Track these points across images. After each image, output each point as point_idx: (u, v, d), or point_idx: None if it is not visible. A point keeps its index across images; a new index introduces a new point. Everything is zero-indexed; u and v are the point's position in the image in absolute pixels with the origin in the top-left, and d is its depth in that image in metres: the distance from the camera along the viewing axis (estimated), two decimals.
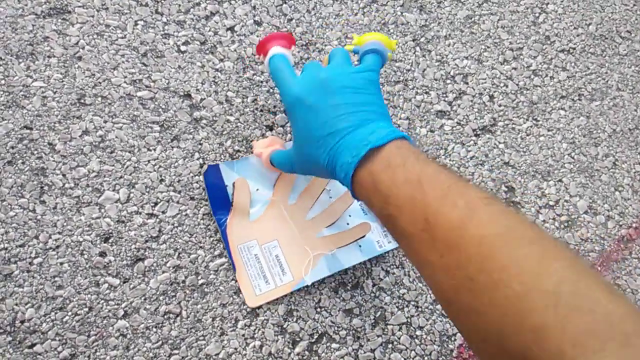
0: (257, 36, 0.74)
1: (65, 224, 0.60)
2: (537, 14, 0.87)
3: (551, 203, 0.75)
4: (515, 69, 0.82)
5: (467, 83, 0.79)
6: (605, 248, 0.74)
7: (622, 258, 0.74)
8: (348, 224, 0.66)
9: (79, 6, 0.70)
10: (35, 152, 0.62)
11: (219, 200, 0.63)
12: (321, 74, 0.48)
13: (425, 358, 0.63)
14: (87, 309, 0.57)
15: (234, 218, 0.63)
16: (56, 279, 0.58)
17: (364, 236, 0.65)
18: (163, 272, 0.60)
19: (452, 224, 0.35)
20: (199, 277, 0.61)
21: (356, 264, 0.64)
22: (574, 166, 0.78)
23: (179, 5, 0.73)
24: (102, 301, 0.58)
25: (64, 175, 0.62)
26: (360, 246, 0.64)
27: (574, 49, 0.87)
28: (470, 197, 0.36)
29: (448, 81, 0.78)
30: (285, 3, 0.77)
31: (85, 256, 0.59)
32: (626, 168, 0.80)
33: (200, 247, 0.62)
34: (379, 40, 0.54)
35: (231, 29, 0.73)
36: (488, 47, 0.83)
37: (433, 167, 0.40)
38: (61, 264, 0.58)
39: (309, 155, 0.48)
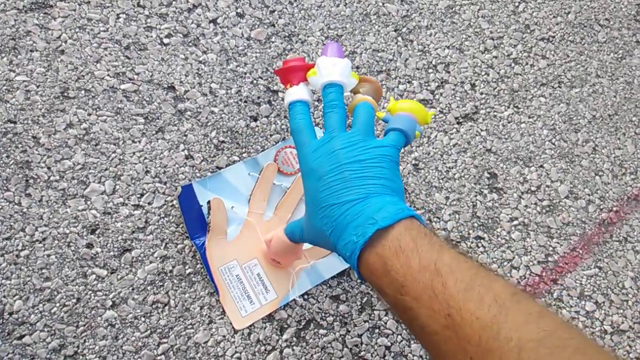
0: (240, 28, 0.74)
1: (51, 216, 0.60)
2: (516, 4, 0.89)
3: (533, 188, 0.76)
4: (496, 57, 0.83)
5: (449, 72, 0.80)
6: (586, 231, 0.76)
7: (604, 241, 0.76)
8: None
9: (61, 0, 0.70)
10: (20, 145, 0.62)
11: (195, 223, 0.62)
12: (337, 145, 0.45)
13: (411, 342, 0.65)
14: (75, 300, 0.58)
15: (212, 240, 0.62)
16: (43, 270, 0.58)
17: None
18: (150, 262, 0.61)
19: (482, 323, 0.31)
20: (187, 267, 0.61)
21: (336, 273, 0.64)
22: (555, 152, 0.79)
23: None
24: (90, 292, 0.58)
25: (49, 168, 0.62)
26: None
27: (554, 37, 0.88)
28: (498, 290, 0.33)
29: (430, 70, 0.79)
30: None
31: (72, 248, 0.59)
32: (606, 153, 0.82)
33: (187, 237, 0.62)
34: (412, 115, 0.49)
35: (214, 21, 0.74)
36: (469, 37, 0.84)
37: (450, 253, 0.37)
38: (48, 256, 0.58)
39: (315, 225, 0.45)
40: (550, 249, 0.73)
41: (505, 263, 0.71)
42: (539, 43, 0.87)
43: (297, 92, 0.50)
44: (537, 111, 0.81)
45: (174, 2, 0.73)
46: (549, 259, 0.72)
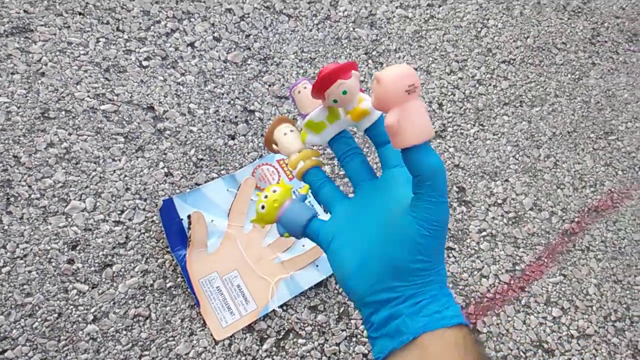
0: (217, 51, 0.78)
1: (32, 233, 0.61)
2: (479, 29, 0.94)
3: (499, 201, 0.80)
4: (461, 78, 0.88)
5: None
6: (550, 241, 0.79)
7: (567, 250, 0.80)
8: (304, 245, 0.68)
9: (41, 25, 0.72)
10: (1, 164, 0.63)
11: (176, 236, 0.64)
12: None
13: None
14: (56, 315, 0.58)
15: (192, 253, 0.64)
16: (25, 286, 0.58)
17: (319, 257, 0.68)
18: (131, 276, 0.62)
19: None
20: (167, 280, 0.63)
21: (314, 284, 0.66)
22: (519, 167, 0.84)
23: (140, 23, 0.76)
24: (71, 307, 0.59)
25: (29, 186, 0.63)
26: (317, 266, 0.67)
27: (514, 60, 0.93)
28: None
29: None
30: (243, 20, 0.81)
31: (53, 264, 0.60)
32: (566, 167, 0.86)
33: (167, 251, 0.64)
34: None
35: (191, 44, 0.77)
36: (435, 59, 0.88)
37: None
38: (29, 272, 0.59)
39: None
40: (517, 258, 0.76)
41: (475, 272, 0.74)
42: (500, 65, 0.92)
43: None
44: (501, 129, 0.86)
45: (152, 27, 0.76)
46: (517, 267, 0.76)
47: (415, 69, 0.86)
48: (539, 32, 0.98)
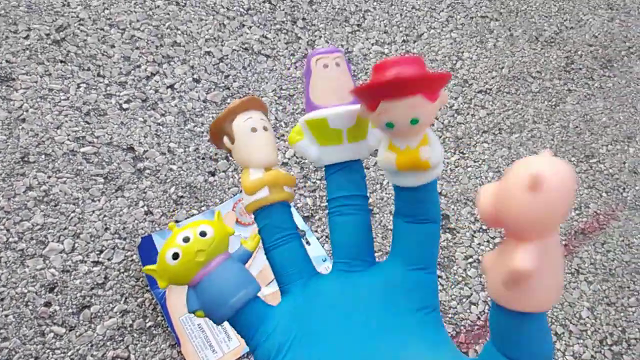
0: (197, 92, 0.79)
1: (9, 276, 0.60)
2: (454, 61, 0.96)
3: (484, 227, 0.79)
4: (439, 109, 0.89)
5: None
6: None
7: None
8: None
9: (23, 74, 0.73)
10: None
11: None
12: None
13: None
14: (33, 359, 0.57)
15: (172, 289, 0.62)
16: (1, 330, 0.57)
17: None
18: (110, 317, 0.61)
19: None
20: (147, 320, 0.61)
21: None
22: None
23: (120, 68, 0.77)
24: (48, 350, 0.57)
25: (7, 230, 0.63)
26: None
27: (491, 89, 0.95)
28: None
29: None
30: (222, 62, 0.83)
31: (30, 307, 0.59)
32: None
33: (147, 290, 0.63)
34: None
35: (171, 86, 0.78)
36: None
37: None
38: (6, 316, 0.58)
39: None
40: None
41: (464, 300, 0.73)
42: (477, 95, 0.94)
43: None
44: (481, 156, 0.87)
45: (132, 71, 0.78)
46: None
47: None
48: (514, 63, 1.00)
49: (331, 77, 0.25)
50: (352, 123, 0.25)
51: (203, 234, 0.24)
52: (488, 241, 0.78)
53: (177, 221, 0.68)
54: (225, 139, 0.27)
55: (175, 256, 0.24)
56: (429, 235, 0.24)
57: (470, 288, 0.73)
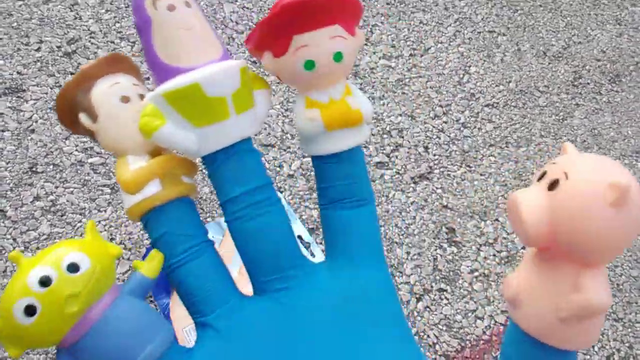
0: None
1: None
2: (461, 75, 0.97)
3: (490, 241, 0.79)
4: (445, 122, 0.90)
5: (402, 137, 0.85)
6: None
7: None
8: None
9: (33, 85, 0.74)
10: None
11: (159, 282, 0.62)
12: None
13: None
14: None
15: (176, 299, 0.62)
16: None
17: None
18: None
19: None
20: None
21: None
22: None
23: None
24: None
25: (14, 239, 0.63)
26: None
27: (498, 103, 0.95)
28: None
29: (385, 136, 0.85)
30: None
31: None
32: None
33: (151, 300, 0.63)
34: None
35: None
36: (419, 105, 0.90)
37: None
38: None
39: None
40: None
41: (470, 314, 0.72)
42: (484, 109, 0.94)
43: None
44: (488, 169, 0.86)
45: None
46: None
47: (400, 115, 0.88)
48: (521, 77, 1.00)
49: (184, 23, 0.17)
50: (237, 86, 0.18)
51: (73, 267, 0.15)
52: (494, 255, 0.78)
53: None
54: (83, 117, 0.19)
55: (30, 311, 0.15)
56: (369, 221, 0.20)
57: (475, 302, 0.73)
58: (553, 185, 0.16)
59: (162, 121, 0.18)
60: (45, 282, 0.15)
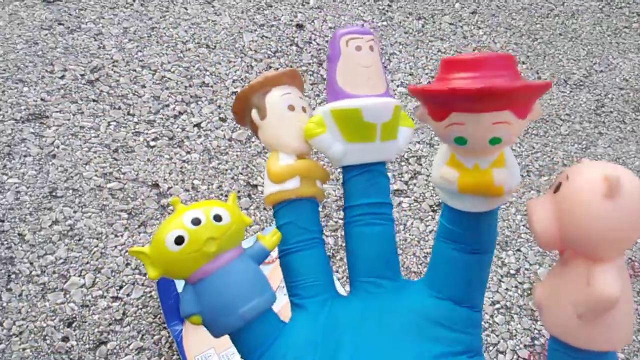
0: (222, 131, 0.80)
1: (29, 310, 0.60)
2: None
3: (512, 272, 0.77)
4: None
5: (421, 164, 0.85)
6: None
7: None
8: None
9: (57, 111, 0.76)
10: (5, 242, 0.64)
11: (173, 310, 0.62)
12: None
13: None
14: None
15: (189, 327, 0.61)
16: None
17: None
18: (126, 354, 0.60)
19: None
20: (162, 358, 0.60)
21: None
22: (531, 235, 0.81)
23: (150, 107, 0.79)
24: None
25: (31, 263, 0.63)
26: None
27: None
28: None
29: (403, 163, 0.84)
30: None
31: (48, 341, 0.59)
32: None
33: (164, 327, 0.62)
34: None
35: (198, 125, 0.80)
36: None
37: None
38: (23, 349, 0.58)
39: None
40: (536, 332, 0.72)
41: (491, 347, 0.69)
42: None
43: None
44: (509, 198, 0.85)
45: (161, 110, 0.80)
46: (536, 342, 0.71)
47: (418, 142, 0.87)
48: (542, 105, 0.99)
49: (365, 62, 0.21)
50: (388, 118, 0.21)
51: (218, 217, 0.20)
52: (516, 286, 0.75)
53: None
54: (254, 113, 0.23)
55: (180, 240, 0.19)
56: (481, 267, 0.20)
57: (497, 335, 0.70)
58: (557, 188, 0.16)
59: (323, 130, 0.22)
60: (195, 221, 0.19)
